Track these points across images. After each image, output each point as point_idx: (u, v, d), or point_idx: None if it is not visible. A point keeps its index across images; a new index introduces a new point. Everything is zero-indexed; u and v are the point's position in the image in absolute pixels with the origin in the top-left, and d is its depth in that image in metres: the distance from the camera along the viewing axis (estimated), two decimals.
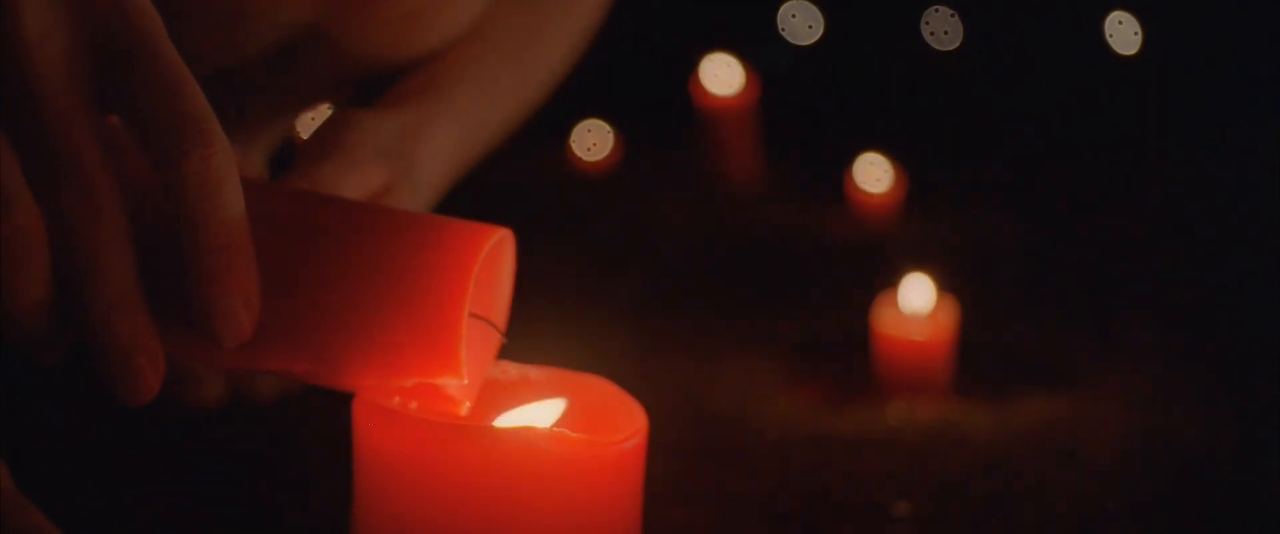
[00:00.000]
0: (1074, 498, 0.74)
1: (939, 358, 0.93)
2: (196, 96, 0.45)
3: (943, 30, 1.97)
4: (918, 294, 0.96)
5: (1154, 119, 1.79)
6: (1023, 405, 0.88)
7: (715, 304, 1.12)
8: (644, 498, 0.53)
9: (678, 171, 1.62)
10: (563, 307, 1.01)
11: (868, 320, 0.96)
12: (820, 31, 1.98)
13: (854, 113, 1.85)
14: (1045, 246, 1.32)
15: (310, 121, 0.99)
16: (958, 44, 1.97)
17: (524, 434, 0.48)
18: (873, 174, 1.48)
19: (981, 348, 0.98)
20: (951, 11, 1.97)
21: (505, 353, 0.55)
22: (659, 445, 0.56)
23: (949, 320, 0.94)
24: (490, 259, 0.52)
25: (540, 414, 0.53)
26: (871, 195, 1.47)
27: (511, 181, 1.25)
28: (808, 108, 1.83)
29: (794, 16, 1.98)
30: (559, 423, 0.51)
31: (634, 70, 1.72)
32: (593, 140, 1.68)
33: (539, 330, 0.60)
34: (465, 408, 0.51)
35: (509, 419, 0.53)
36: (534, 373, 0.56)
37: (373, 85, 0.74)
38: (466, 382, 0.49)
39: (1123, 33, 1.90)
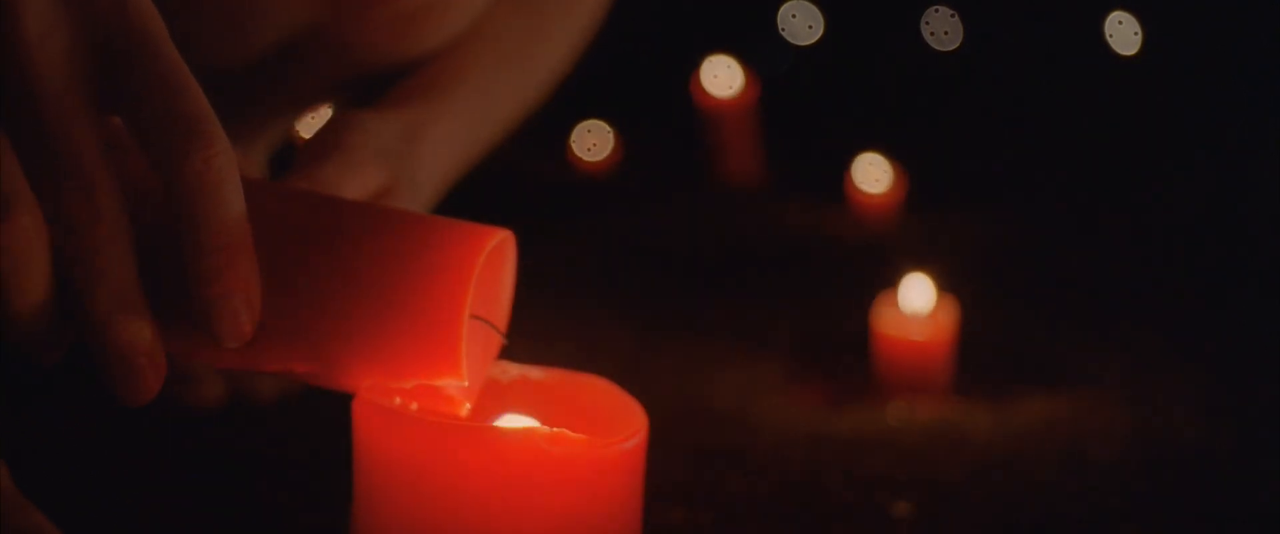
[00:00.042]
0: (1074, 498, 0.74)
1: (939, 358, 0.93)
2: (197, 97, 0.45)
3: (943, 30, 1.97)
4: (918, 294, 0.96)
5: (1154, 119, 1.80)
6: (1023, 405, 0.88)
7: (715, 304, 1.12)
8: (644, 498, 0.53)
9: (678, 171, 1.62)
10: (563, 307, 1.01)
11: (868, 320, 0.96)
12: (820, 31, 1.98)
13: (854, 113, 1.85)
14: (1045, 246, 1.32)
15: (311, 122, 0.99)
16: (958, 44, 1.97)
17: (524, 434, 0.48)
18: (873, 174, 1.48)
19: (981, 348, 0.98)
20: (951, 11, 1.97)
21: (505, 353, 0.55)
22: (659, 445, 0.56)
23: (949, 320, 0.94)
24: (491, 260, 0.52)
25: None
26: (871, 195, 1.47)
27: (512, 181, 1.25)
28: (808, 108, 1.83)
29: (794, 16, 1.98)
30: (559, 423, 0.51)
31: (634, 70, 1.72)
32: (593, 140, 1.68)
33: (539, 330, 0.60)
34: (466, 409, 0.51)
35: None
36: (534, 373, 0.56)
37: (373, 85, 0.74)
38: (467, 383, 0.49)
39: (1123, 33, 1.90)
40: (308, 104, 0.82)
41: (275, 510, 0.67)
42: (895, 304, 0.96)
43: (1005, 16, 1.96)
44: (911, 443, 0.81)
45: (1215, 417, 0.86)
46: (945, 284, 0.98)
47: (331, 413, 0.57)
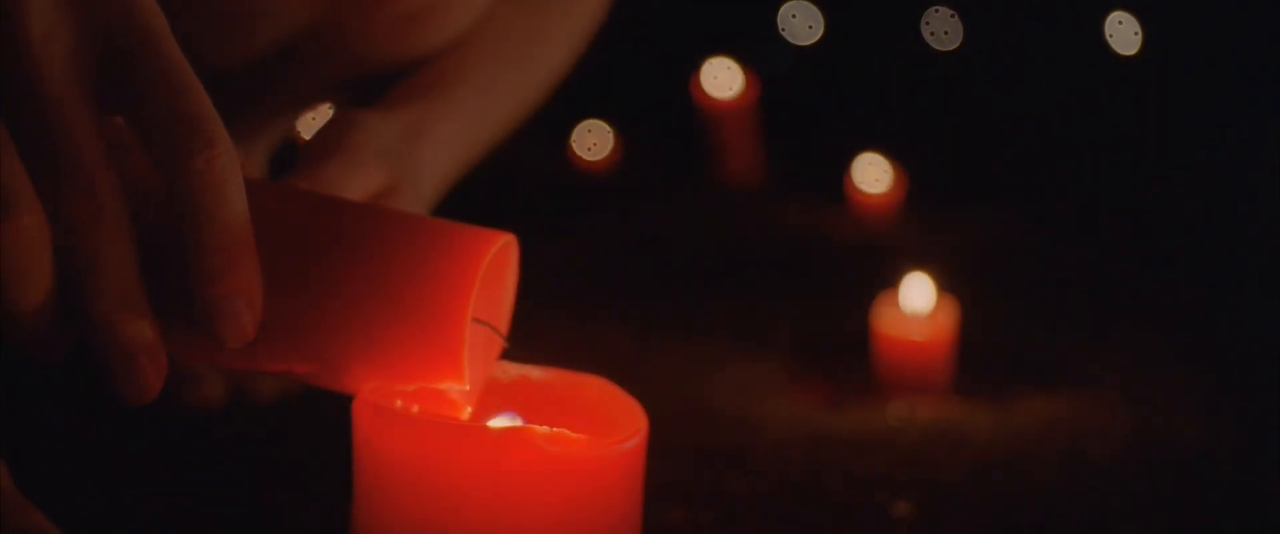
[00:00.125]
0: (1074, 498, 0.74)
1: (939, 358, 0.93)
2: (200, 96, 0.45)
3: (943, 30, 1.97)
4: (918, 294, 0.96)
5: (1154, 119, 1.80)
6: (1023, 405, 0.88)
7: (715, 304, 1.12)
8: (644, 498, 0.53)
9: (678, 171, 1.62)
10: (563, 307, 1.01)
11: (868, 320, 0.96)
12: (820, 31, 1.98)
13: (854, 113, 1.85)
14: (1045, 246, 1.32)
15: (311, 122, 0.99)
16: (958, 44, 1.98)
17: (524, 434, 0.48)
18: (873, 174, 1.48)
19: (981, 348, 0.98)
20: (951, 11, 1.97)
21: (505, 353, 0.55)
22: (659, 445, 0.56)
23: (949, 320, 0.94)
24: (494, 263, 0.52)
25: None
26: (871, 195, 1.47)
27: (512, 181, 1.25)
28: (808, 108, 1.83)
29: (794, 16, 1.98)
30: (559, 423, 0.51)
31: (634, 71, 1.72)
32: (593, 140, 1.68)
33: (539, 330, 0.60)
34: (467, 412, 0.51)
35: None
36: (534, 373, 0.56)
37: (374, 85, 0.74)
38: (468, 387, 0.49)
39: (1123, 33, 1.90)
40: (308, 104, 0.82)
41: (275, 510, 0.67)
42: (895, 304, 0.96)
43: (1005, 16, 1.96)
44: (911, 443, 0.81)
45: (1215, 417, 0.86)
46: (945, 284, 0.98)
47: (331, 413, 0.57)
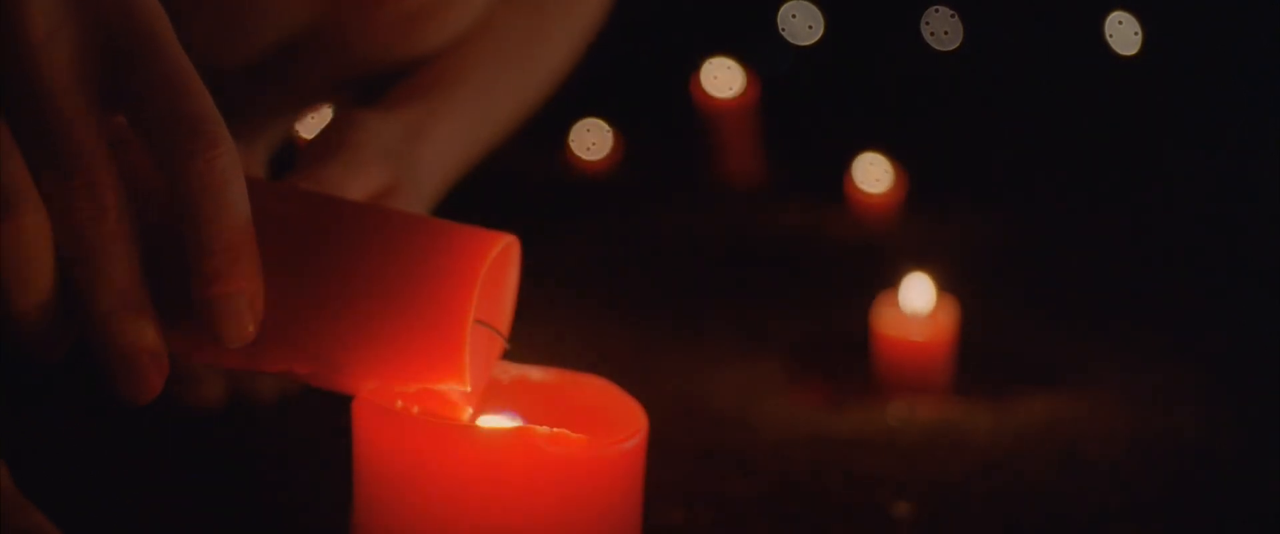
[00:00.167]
0: (1074, 498, 0.74)
1: (939, 358, 0.93)
2: (202, 96, 0.45)
3: (943, 30, 1.97)
4: (918, 294, 0.96)
5: (1154, 119, 1.80)
6: (1023, 405, 0.88)
7: (715, 304, 1.12)
8: (644, 498, 0.53)
9: (678, 171, 1.62)
10: (563, 307, 1.01)
11: (868, 320, 0.96)
12: (820, 31, 1.98)
13: (854, 113, 1.85)
14: (1045, 246, 1.32)
15: (311, 122, 0.99)
16: (958, 44, 1.98)
17: (524, 434, 0.48)
18: (873, 174, 1.48)
19: (981, 348, 0.98)
20: (951, 11, 1.97)
21: (505, 353, 0.55)
22: (659, 445, 0.56)
23: (949, 320, 0.94)
24: (496, 265, 0.52)
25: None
26: (871, 195, 1.47)
27: (511, 181, 1.25)
28: (808, 108, 1.83)
29: (794, 16, 1.98)
30: (559, 423, 0.51)
31: (634, 70, 1.72)
32: (592, 140, 1.68)
33: (539, 330, 0.60)
34: (468, 414, 0.51)
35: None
36: (534, 373, 0.56)
37: (374, 85, 0.74)
38: (469, 388, 0.49)
39: (1123, 33, 1.90)
40: (308, 104, 0.82)
41: (275, 510, 0.67)
42: (895, 304, 0.96)
43: (1005, 16, 1.96)
44: (911, 443, 0.81)
45: (1215, 417, 0.86)
46: (945, 284, 0.98)
47: (331, 413, 0.57)
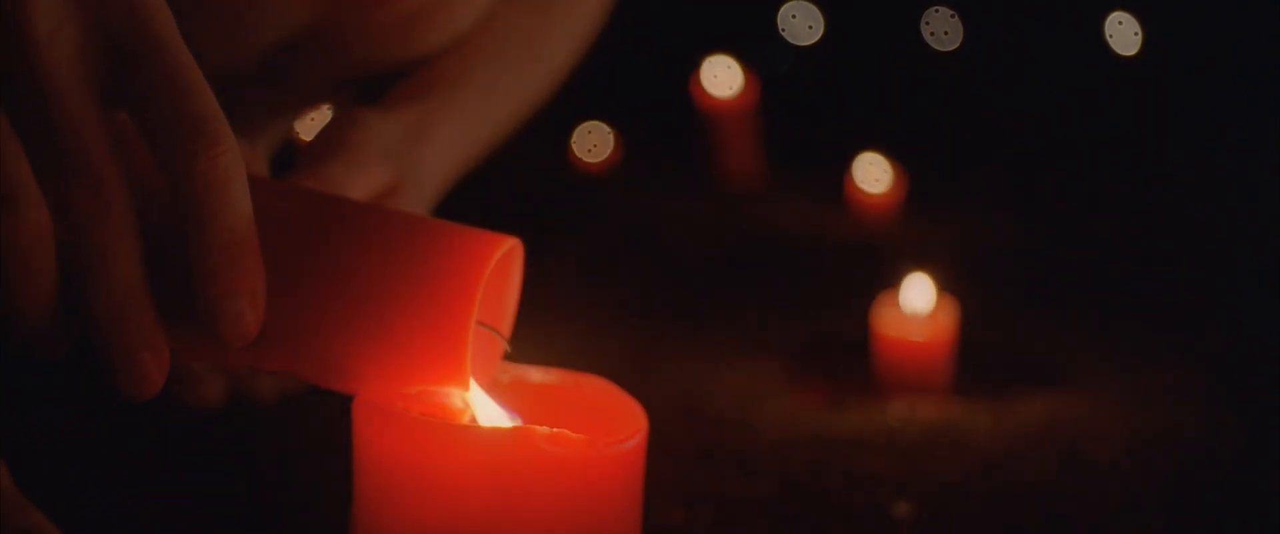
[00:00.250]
0: (1074, 498, 0.74)
1: (939, 358, 0.93)
2: (205, 95, 0.45)
3: (943, 30, 1.97)
4: (918, 294, 0.96)
5: (1154, 119, 1.79)
6: (1023, 405, 0.88)
7: (715, 304, 1.12)
8: (644, 498, 0.53)
9: (678, 172, 1.62)
10: (563, 307, 1.01)
11: (868, 320, 0.96)
12: (820, 31, 1.98)
13: (854, 113, 1.85)
14: (1045, 246, 1.32)
15: (311, 122, 0.99)
16: (958, 44, 1.97)
17: (524, 434, 0.48)
18: (873, 174, 1.48)
19: (981, 348, 0.98)
20: (951, 11, 1.97)
21: (506, 354, 0.55)
22: (659, 445, 0.56)
23: (949, 320, 0.94)
24: (498, 267, 0.52)
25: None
26: (871, 195, 1.47)
27: (512, 182, 1.25)
28: (808, 108, 1.83)
29: (794, 17, 1.98)
30: (559, 423, 0.51)
31: (634, 71, 1.72)
32: (594, 141, 1.68)
33: (539, 330, 0.60)
34: (468, 416, 0.51)
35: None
36: (534, 373, 0.56)
37: (374, 85, 0.74)
38: (470, 390, 0.49)
39: (1123, 33, 1.90)
40: (308, 104, 0.82)
41: (275, 510, 0.67)
42: (895, 304, 0.96)
43: (1005, 16, 1.95)
44: (911, 443, 0.81)
45: (1215, 416, 0.86)
46: (945, 284, 0.98)
47: (331, 413, 0.57)
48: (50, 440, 0.72)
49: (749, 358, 0.96)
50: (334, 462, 0.58)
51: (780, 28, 1.98)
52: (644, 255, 1.27)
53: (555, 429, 0.49)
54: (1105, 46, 1.91)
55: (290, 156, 0.77)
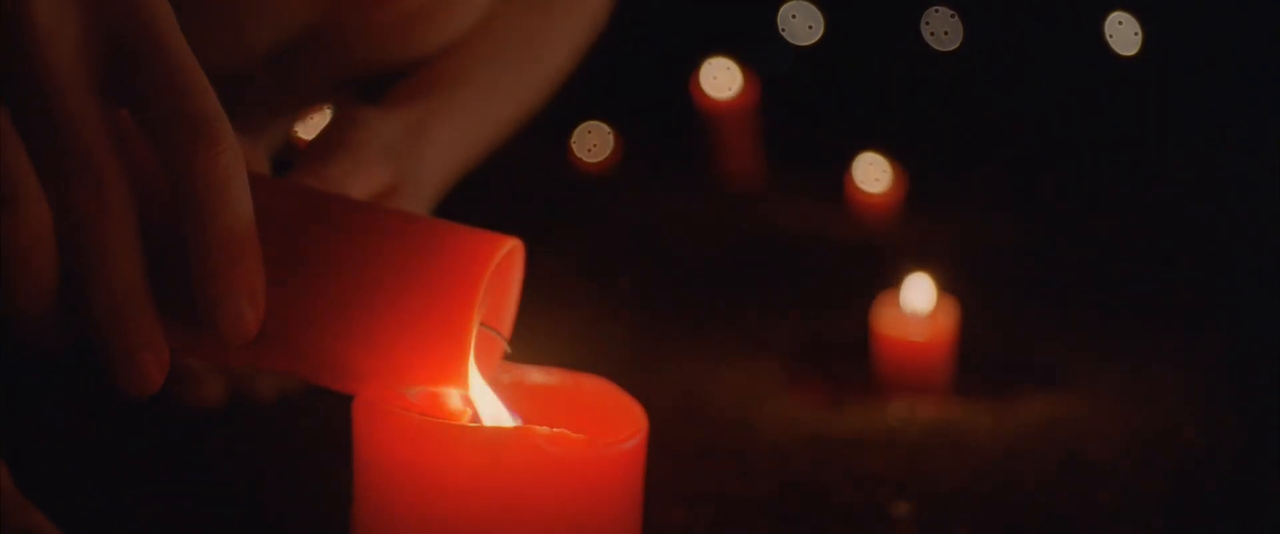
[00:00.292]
0: (1074, 498, 0.74)
1: (939, 358, 0.93)
2: (206, 94, 0.45)
3: (943, 30, 1.97)
4: (918, 294, 0.96)
5: (1154, 119, 1.79)
6: (1023, 405, 0.88)
7: (715, 304, 1.12)
8: (644, 498, 0.53)
9: (678, 172, 1.62)
10: (563, 307, 1.01)
11: (868, 321, 0.96)
12: (820, 31, 1.98)
13: (854, 113, 1.85)
14: (1045, 246, 1.32)
15: (311, 122, 0.99)
16: (958, 44, 1.97)
17: (524, 434, 0.48)
18: (873, 174, 1.48)
19: (981, 348, 0.97)
20: (951, 11, 1.97)
21: (506, 354, 0.55)
22: (659, 445, 0.56)
23: (949, 320, 0.94)
24: (499, 268, 0.52)
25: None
26: (871, 195, 1.47)
27: (512, 182, 1.25)
28: (808, 108, 1.83)
29: (794, 17, 1.98)
30: (559, 423, 0.51)
31: (634, 71, 1.72)
32: (593, 141, 1.68)
33: (539, 330, 0.60)
34: (467, 416, 0.51)
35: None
36: (534, 373, 0.56)
37: (374, 85, 0.74)
38: (470, 391, 0.49)
39: (1123, 33, 1.90)
40: (309, 104, 0.82)
41: (275, 510, 0.67)
42: (895, 304, 0.96)
43: (1005, 16, 1.95)
44: (911, 443, 0.81)
45: (1215, 416, 0.86)
46: (945, 284, 0.98)
47: (331, 413, 0.57)
48: (50, 440, 0.72)
49: (749, 358, 0.96)
50: (334, 462, 0.58)
51: (780, 28, 1.98)
52: (644, 255, 1.27)
53: (555, 429, 0.49)
54: (1105, 46, 1.91)
55: (290, 156, 0.77)
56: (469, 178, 0.74)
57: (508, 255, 0.53)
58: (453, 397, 0.50)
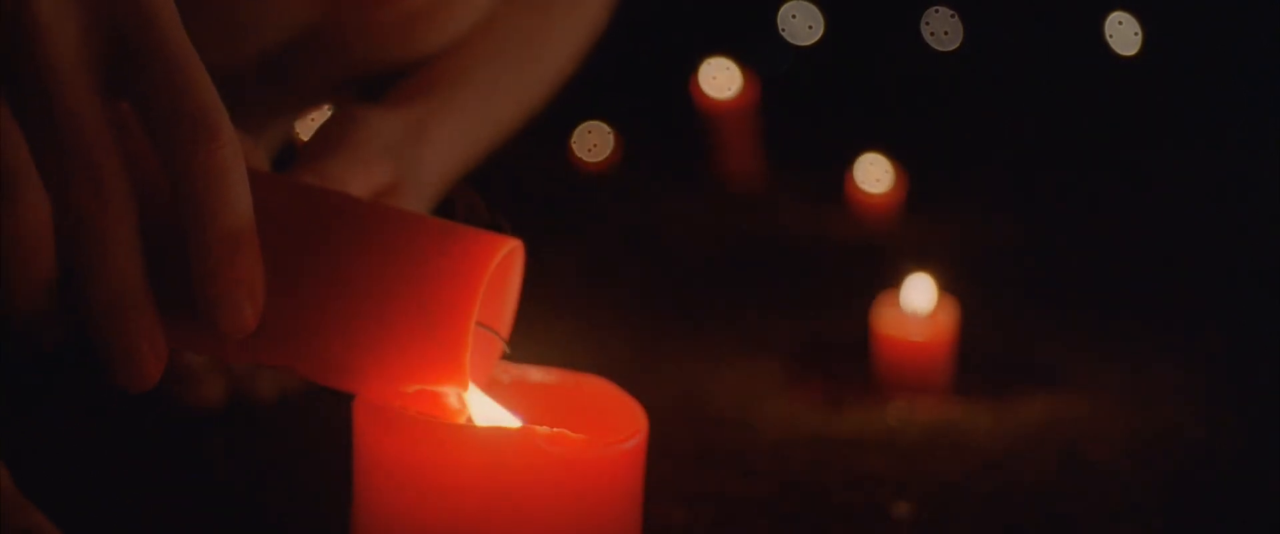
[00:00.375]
0: (1074, 498, 0.74)
1: (939, 358, 0.93)
2: (207, 90, 0.45)
3: (943, 30, 1.97)
4: (918, 294, 0.96)
5: (1154, 119, 1.79)
6: (1023, 405, 0.88)
7: (715, 304, 1.12)
8: (644, 498, 0.53)
9: (678, 172, 1.62)
10: (563, 307, 1.01)
11: (868, 321, 0.96)
12: (820, 31, 1.98)
13: (854, 113, 1.85)
14: (1045, 246, 1.32)
15: (311, 122, 0.99)
16: (958, 44, 1.97)
17: (524, 434, 0.48)
18: (873, 174, 1.48)
19: (981, 348, 0.97)
20: (951, 11, 1.97)
21: (505, 354, 0.55)
22: (659, 445, 0.56)
23: (949, 320, 0.94)
24: (499, 268, 0.52)
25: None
26: (871, 195, 1.47)
27: (513, 182, 1.25)
28: (808, 108, 1.83)
29: (794, 17, 1.98)
30: (559, 423, 0.51)
31: (634, 71, 1.72)
32: (594, 141, 1.68)
33: (539, 330, 0.60)
34: (465, 416, 0.51)
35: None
36: (534, 373, 0.56)
37: (374, 85, 0.74)
38: (469, 390, 0.49)
39: (1123, 33, 1.90)
40: (309, 104, 0.82)
41: (275, 510, 0.67)
42: (895, 304, 0.96)
43: (1005, 16, 1.95)
44: (911, 443, 0.81)
45: (1216, 416, 0.86)
46: (945, 284, 0.98)
47: (331, 413, 0.57)
48: (50, 440, 0.72)
49: (749, 358, 0.96)
50: (334, 462, 0.58)
51: (780, 28, 1.98)
52: (644, 255, 1.27)
53: (555, 429, 0.49)
54: (1105, 46, 1.91)
55: (290, 156, 0.77)
56: (469, 177, 0.74)
57: (507, 255, 0.53)
58: (452, 396, 0.50)
